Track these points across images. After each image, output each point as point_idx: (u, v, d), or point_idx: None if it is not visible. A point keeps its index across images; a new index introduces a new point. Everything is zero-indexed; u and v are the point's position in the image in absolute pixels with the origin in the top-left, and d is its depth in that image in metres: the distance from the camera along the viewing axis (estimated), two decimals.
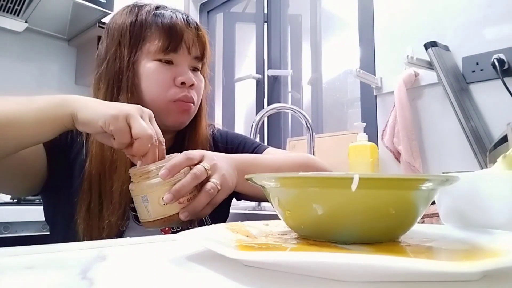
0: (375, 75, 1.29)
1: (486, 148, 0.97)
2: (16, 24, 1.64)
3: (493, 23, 1.05)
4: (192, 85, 0.67)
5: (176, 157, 0.49)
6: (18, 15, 1.62)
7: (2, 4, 1.52)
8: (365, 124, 1.24)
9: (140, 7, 0.68)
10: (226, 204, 0.75)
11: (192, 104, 0.67)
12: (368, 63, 1.33)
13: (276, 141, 1.74)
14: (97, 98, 0.60)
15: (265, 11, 1.86)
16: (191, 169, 0.49)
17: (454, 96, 1.04)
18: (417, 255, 0.27)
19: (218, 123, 2.17)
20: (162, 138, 0.51)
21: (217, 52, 2.16)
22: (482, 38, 1.06)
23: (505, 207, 0.34)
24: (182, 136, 0.73)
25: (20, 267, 0.26)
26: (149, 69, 0.65)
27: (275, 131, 1.76)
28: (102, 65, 0.67)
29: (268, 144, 1.73)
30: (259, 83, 1.81)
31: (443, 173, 1.03)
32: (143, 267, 0.26)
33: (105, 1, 1.62)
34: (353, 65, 1.39)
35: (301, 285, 0.21)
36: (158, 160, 0.49)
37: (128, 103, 0.62)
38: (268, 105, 1.65)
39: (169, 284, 0.22)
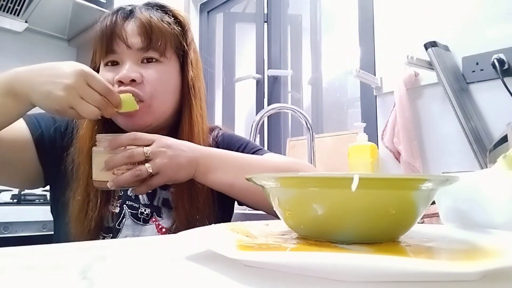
0: (375, 75, 1.29)
1: (486, 148, 0.97)
2: (16, 24, 1.65)
3: (493, 23, 1.05)
4: (133, 81, 0.61)
5: (123, 135, 0.54)
6: (18, 15, 1.62)
7: (2, 4, 1.52)
8: (365, 124, 1.23)
9: None
10: (228, 205, 0.74)
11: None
12: (368, 63, 1.33)
13: (276, 141, 1.74)
14: None
15: (265, 11, 1.86)
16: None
17: (454, 96, 1.04)
18: (417, 255, 0.27)
19: (218, 123, 2.17)
20: (107, 90, 0.53)
21: (217, 52, 2.16)
22: (482, 38, 1.06)
23: (505, 207, 0.34)
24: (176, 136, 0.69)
25: (20, 267, 0.26)
26: (100, 75, 0.65)
27: (275, 131, 1.76)
28: None
29: (268, 144, 1.74)
30: (259, 83, 1.81)
31: (443, 173, 1.03)
32: (143, 267, 0.26)
33: (105, 1, 1.62)
34: (353, 65, 1.39)
35: (301, 285, 0.21)
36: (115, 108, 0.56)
37: None
38: (268, 105, 1.64)
39: (169, 284, 0.22)
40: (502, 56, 1.00)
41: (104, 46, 0.63)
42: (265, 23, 1.85)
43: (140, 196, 0.66)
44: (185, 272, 0.25)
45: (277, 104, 1.38)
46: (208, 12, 2.17)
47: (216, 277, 0.23)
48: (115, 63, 0.64)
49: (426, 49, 1.10)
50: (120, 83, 0.61)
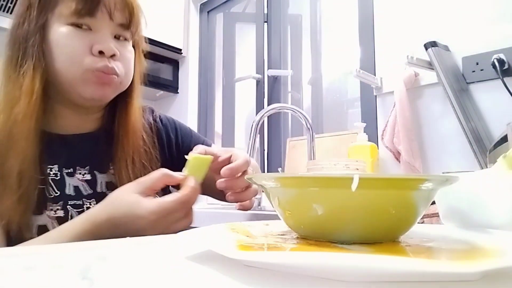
0: (375, 75, 1.29)
1: (486, 148, 0.97)
2: None
3: (493, 23, 1.05)
4: (114, 55, 0.59)
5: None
6: None
7: (2, 4, 1.52)
8: (365, 124, 1.23)
9: None
10: None
11: (115, 76, 0.60)
12: (368, 63, 1.33)
13: (276, 141, 1.74)
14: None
15: (265, 11, 1.86)
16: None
17: (454, 96, 1.04)
18: (417, 255, 0.27)
19: (218, 123, 2.16)
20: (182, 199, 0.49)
21: (217, 52, 2.16)
22: (482, 38, 1.06)
23: (505, 207, 0.34)
24: (111, 117, 0.67)
25: (20, 267, 0.26)
26: (60, 34, 0.58)
27: (275, 131, 1.76)
28: (11, 30, 0.60)
29: (268, 144, 1.74)
30: (259, 83, 1.81)
31: (443, 173, 1.03)
32: (143, 267, 0.26)
33: None
34: (353, 65, 1.39)
35: (301, 285, 0.21)
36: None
37: (33, 71, 0.57)
38: (268, 105, 1.65)
39: (169, 284, 0.22)
40: (502, 56, 1.00)
41: (87, 7, 0.58)
42: (265, 23, 1.85)
43: (81, 187, 0.62)
44: (185, 272, 0.25)
45: (277, 104, 1.38)
46: (208, 12, 2.17)
47: (216, 277, 0.23)
48: (85, 28, 0.59)
49: (426, 49, 1.10)
50: (101, 53, 0.58)
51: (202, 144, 0.74)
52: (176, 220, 0.49)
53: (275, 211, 0.33)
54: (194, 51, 2.14)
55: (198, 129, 2.06)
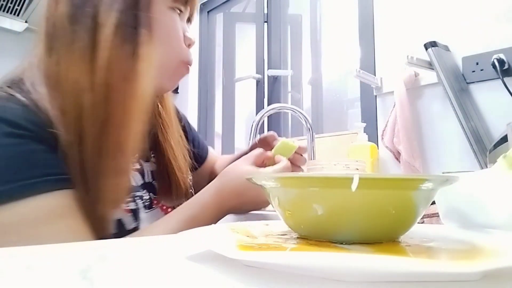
0: (375, 75, 1.29)
1: (486, 148, 0.97)
2: (16, 24, 1.65)
3: (493, 23, 1.05)
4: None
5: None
6: (18, 15, 1.62)
7: (2, 4, 1.52)
8: (365, 124, 1.23)
9: None
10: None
11: None
12: (368, 63, 1.33)
13: None
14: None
15: (265, 11, 1.86)
16: None
17: (454, 96, 1.04)
18: (417, 255, 0.27)
19: (218, 123, 2.16)
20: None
21: (217, 52, 2.16)
22: (482, 38, 1.06)
23: (505, 207, 0.34)
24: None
25: (20, 267, 0.26)
26: (166, 13, 0.51)
27: (275, 131, 1.76)
28: None
29: None
30: (259, 83, 1.81)
31: (443, 173, 1.03)
32: (143, 267, 0.26)
33: None
34: (353, 65, 1.39)
35: (301, 285, 0.21)
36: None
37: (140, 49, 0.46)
38: (268, 105, 1.65)
39: (169, 284, 0.22)
40: (502, 56, 1.00)
41: None
42: (265, 23, 1.85)
43: (135, 176, 0.56)
44: (185, 272, 0.25)
45: (277, 104, 1.38)
46: (208, 12, 2.17)
47: (216, 277, 0.23)
48: (179, 13, 0.54)
49: (426, 49, 1.10)
50: (190, 42, 0.55)
51: (205, 146, 0.78)
52: None
53: (275, 211, 0.33)
54: (194, 51, 2.14)
55: (198, 129, 2.06)
